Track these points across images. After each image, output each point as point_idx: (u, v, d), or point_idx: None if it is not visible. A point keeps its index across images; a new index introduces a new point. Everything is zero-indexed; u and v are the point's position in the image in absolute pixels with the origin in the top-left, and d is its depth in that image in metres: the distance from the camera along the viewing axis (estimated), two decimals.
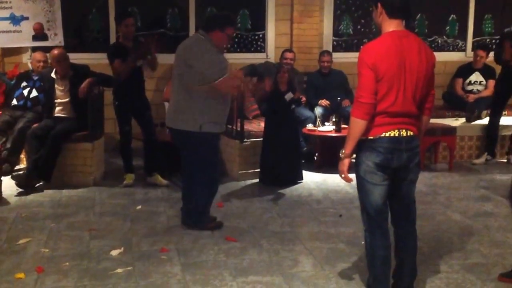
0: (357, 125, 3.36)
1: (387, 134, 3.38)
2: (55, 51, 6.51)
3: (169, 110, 5.07)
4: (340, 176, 3.50)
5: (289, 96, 6.48)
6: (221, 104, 4.87)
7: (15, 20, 7.53)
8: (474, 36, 9.31)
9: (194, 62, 4.72)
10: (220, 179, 5.41)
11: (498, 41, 7.99)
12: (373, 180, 3.44)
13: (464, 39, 9.33)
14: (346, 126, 6.45)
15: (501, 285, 4.00)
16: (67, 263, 4.29)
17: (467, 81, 8.44)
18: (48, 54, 6.97)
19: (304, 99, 7.64)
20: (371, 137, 3.40)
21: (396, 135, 3.39)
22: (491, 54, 7.93)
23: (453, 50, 9.31)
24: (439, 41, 9.27)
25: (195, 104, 4.77)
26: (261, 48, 8.67)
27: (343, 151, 3.45)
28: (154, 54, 6.28)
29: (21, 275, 4.05)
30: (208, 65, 4.71)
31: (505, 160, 7.79)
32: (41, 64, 6.99)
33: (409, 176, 3.52)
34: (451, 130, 7.50)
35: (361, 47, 3.50)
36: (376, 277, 3.58)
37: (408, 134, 3.42)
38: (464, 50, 9.30)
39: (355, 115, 3.36)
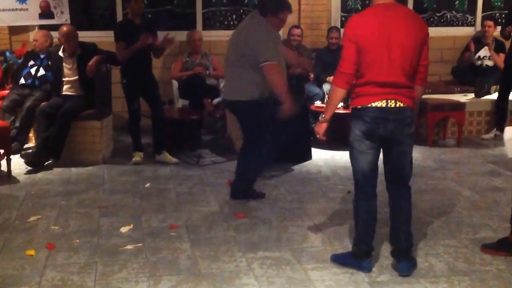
0: (337, 93, 3.62)
1: (374, 104, 3.52)
2: (64, 28, 6.47)
3: (227, 85, 5.17)
4: (316, 136, 3.78)
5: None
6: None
7: None
8: (483, 11, 9.21)
9: (253, 42, 4.81)
10: (230, 155, 5.40)
11: (506, 15, 7.90)
12: (360, 148, 3.63)
13: (473, 13, 9.22)
14: None
15: (510, 259, 4.00)
16: (78, 240, 4.32)
17: (476, 56, 8.36)
18: (44, 32, 7.00)
19: (312, 75, 7.61)
20: (359, 106, 3.58)
21: (384, 105, 3.51)
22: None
23: (462, 25, 9.23)
24: (448, 16, 9.17)
25: (251, 78, 4.85)
26: None
27: (323, 115, 3.71)
28: (162, 49, 6.50)
29: (32, 252, 4.09)
30: (262, 46, 4.79)
31: None
32: (36, 43, 6.95)
33: (399, 147, 3.62)
34: (460, 105, 7.44)
35: None
36: (359, 236, 3.81)
37: (397, 105, 3.52)
38: (473, 25, 9.21)
39: (335, 84, 3.62)
